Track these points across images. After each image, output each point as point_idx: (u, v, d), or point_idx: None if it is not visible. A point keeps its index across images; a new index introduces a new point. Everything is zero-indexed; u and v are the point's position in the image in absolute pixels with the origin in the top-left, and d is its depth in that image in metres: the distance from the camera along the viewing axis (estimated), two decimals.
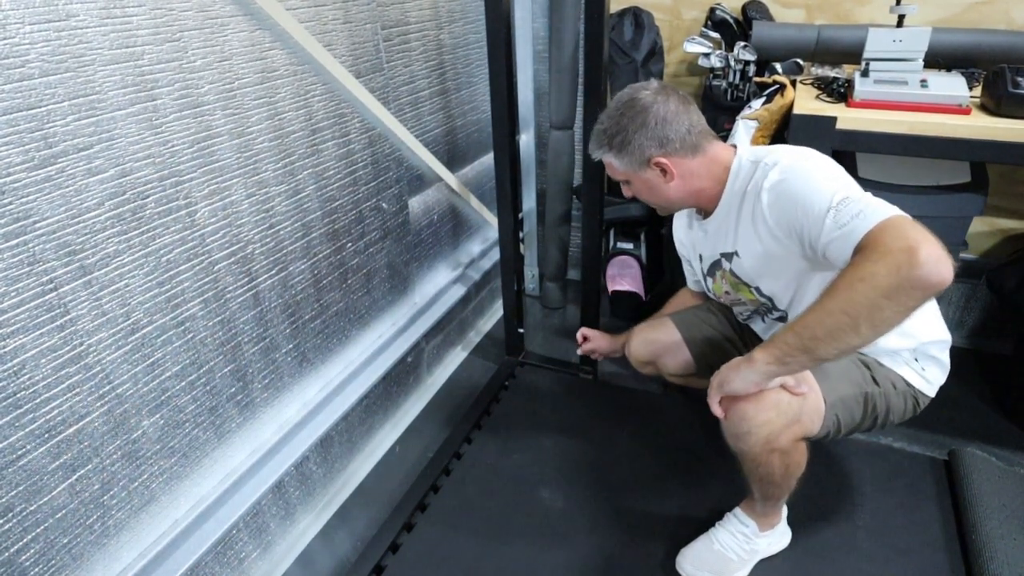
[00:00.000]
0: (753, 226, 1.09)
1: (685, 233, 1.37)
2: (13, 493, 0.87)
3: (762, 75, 1.66)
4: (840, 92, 1.43)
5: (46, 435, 0.90)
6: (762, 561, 1.26)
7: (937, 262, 0.80)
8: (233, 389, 1.21)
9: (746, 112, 1.56)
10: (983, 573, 1.19)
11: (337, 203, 1.39)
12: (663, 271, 2.10)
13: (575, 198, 2.09)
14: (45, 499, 0.91)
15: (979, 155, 1.31)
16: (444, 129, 1.80)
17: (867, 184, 1.02)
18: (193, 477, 1.16)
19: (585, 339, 1.61)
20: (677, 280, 1.67)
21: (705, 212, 1.22)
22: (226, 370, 1.19)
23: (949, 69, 1.45)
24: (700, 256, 1.31)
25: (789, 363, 0.94)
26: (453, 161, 1.87)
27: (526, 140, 2.11)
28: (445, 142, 1.82)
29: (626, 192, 1.22)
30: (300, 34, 1.17)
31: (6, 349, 0.83)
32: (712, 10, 1.81)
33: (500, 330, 2.01)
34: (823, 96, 1.45)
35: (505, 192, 1.66)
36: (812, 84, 1.54)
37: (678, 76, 2.01)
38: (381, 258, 1.59)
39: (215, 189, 1.09)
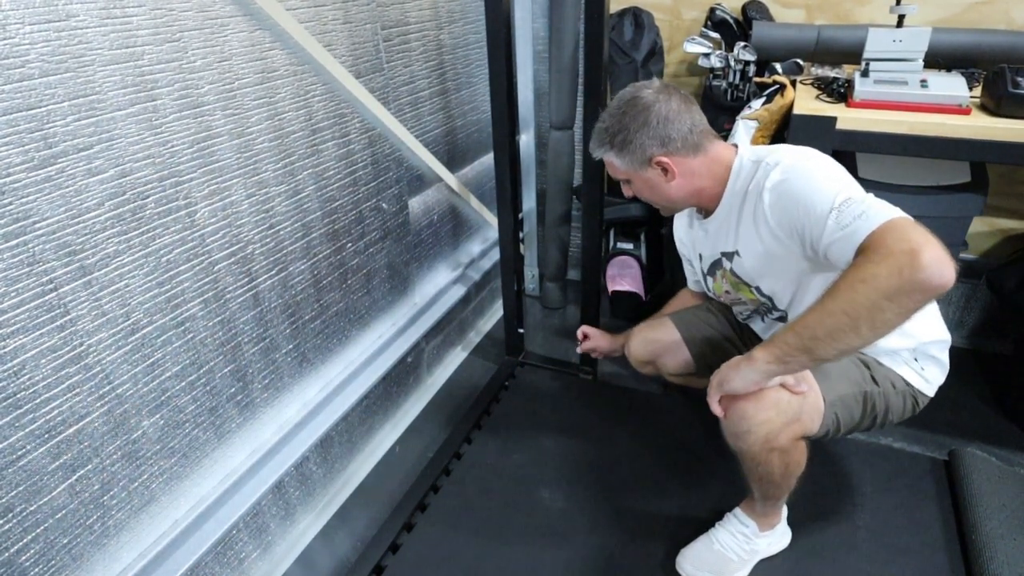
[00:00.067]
0: (754, 226, 1.09)
1: (685, 232, 1.37)
2: (13, 493, 0.87)
3: (762, 75, 1.66)
4: (840, 92, 1.43)
5: (46, 435, 0.90)
6: (762, 561, 1.26)
7: (939, 265, 0.80)
8: (233, 389, 1.21)
9: (746, 112, 1.56)
10: (983, 573, 1.19)
11: (337, 203, 1.39)
12: (663, 271, 2.10)
13: (575, 198, 2.09)
14: (45, 499, 0.91)
15: (979, 155, 1.31)
16: (444, 129, 1.80)
17: (867, 184, 1.01)
18: (193, 477, 1.16)
19: (585, 337, 1.61)
20: (677, 280, 1.67)
21: (706, 211, 1.22)
22: (226, 370, 1.19)
23: (949, 69, 1.45)
24: (700, 255, 1.32)
25: (789, 362, 0.94)
26: (453, 161, 1.87)
27: (526, 140, 2.11)
28: (445, 142, 1.82)
29: (627, 191, 1.22)
30: (300, 34, 1.17)
31: (6, 349, 0.83)
32: (712, 10, 1.81)
33: (500, 330, 2.01)
34: (823, 96, 1.45)
35: (505, 192, 1.66)
36: (812, 84, 1.54)
37: (678, 76, 2.01)
38: (381, 258, 1.59)
39: (215, 189, 1.09)
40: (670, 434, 1.61)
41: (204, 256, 1.09)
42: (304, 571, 1.35)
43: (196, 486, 1.17)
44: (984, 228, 1.84)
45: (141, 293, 0.99)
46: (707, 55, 1.72)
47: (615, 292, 2.05)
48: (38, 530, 0.91)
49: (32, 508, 0.89)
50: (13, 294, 0.82)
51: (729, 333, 1.42)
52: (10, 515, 0.87)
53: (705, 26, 1.83)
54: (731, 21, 1.78)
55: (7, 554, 0.87)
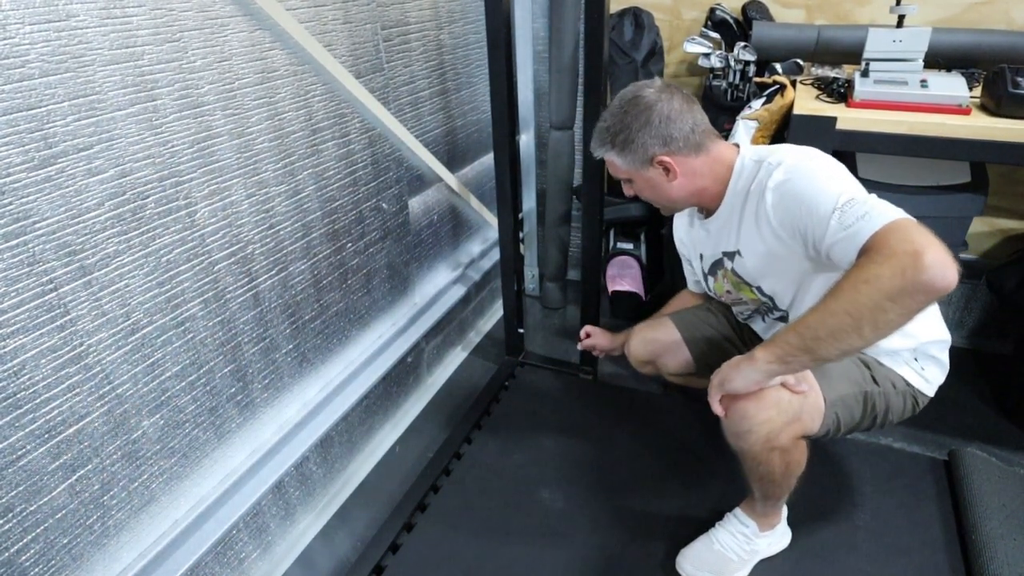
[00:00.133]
0: (756, 226, 1.09)
1: (686, 232, 1.37)
2: (13, 493, 0.87)
3: (762, 75, 1.66)
4: (840, 92, 1.43)
5: (46, 435, 0.90)
6: (762, 561, 1.26)
7: (942, 266, 0.80)
8: (233, 389, 1.21)
9: (746, 112, 1.56)
10: (983, 573, 1.19)
11: (337, 203, 1.39)
12: (663, 271, 2.10)
13: (575, 198, 2.09)
14: (45, 499, 0.91)
15: (979, 155, 1.31)
16: (444, 129, 1.80)
17: (867, 184, 1.01)
18: (193, 477, 1.16)
19: (587, 336, 1.61)
20: (677, 280, 1.67)
21: (707, 211, 1.22)
22: (226, 370, 1.19)
23: (949, 69, 1.45)
24: (701, 255, 1.31)
25: (791, 362, 0.94)
26: (453, 161, 1.87)
27: (526, 140, 2.11)
28: (445, 142, 1.82)
29: (627, 191, 1.22)
30: (300, 34, 1.17)
31: (6, 349, 0.83)
32: (712, 10, 1.81)
33: (500, 330, 2.01)
34: (823, 96, 1.45)
35: (505, 192, 1.66)
36: (812, 84, 1.54)
37: (678, 76, 2.01)
38: (381, 258, 1.59)
39: (215, 189, 1.09)
40: (670, 434, 1.61)
41: (204, 256, 1.09)
42: (304, 571, 1.35)
43: (196, 486, 1.17)
44: (984, 228, 1.84)
45: (141, 293, 0.99)
46: (707, 55, 1.72)
47: (615, 292, 2.05)
48: (38, 530, 0.91)
49: (32, 508, 0.89)
50: (13, 294, 0.82)
51: (729, 333, 1.42)
52: (10, 515, 0.87)
53: (705, 26, 1.83)
54: (731, 21, 1.78)
55: (7, 554, 0.87)
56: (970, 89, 1.30)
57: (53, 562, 0.94)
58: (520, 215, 1.80)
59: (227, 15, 1.05)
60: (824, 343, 0.89)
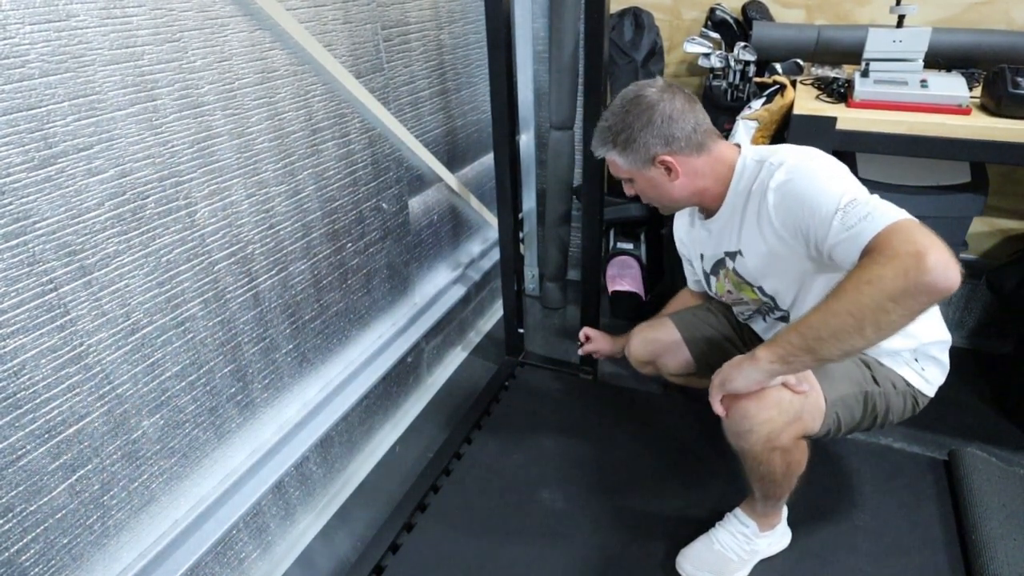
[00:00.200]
0: (758, 226, 1.09)
1: (686, 232, 1.37)
2: (13, 493, 0.87)
3: (762, 75, 1.66)
4: (840, 92, 1.43)
5: (46, 435, 0.90)
6: (762, 561, 1.26)
7: (945, 268, 0.80)
8: (233, 389, 1.21)
9: (746, 112, 1.56)
10: (983, 573, 1.19)
11: (337, 203, 1.39)
12: (663, 271, 2.10)
13: (575, 198, 2.09)
14: (45, 499, 0.91)
15: (979, 155, 1.31)
16: (444, 129, 1.80)
17: (867, 184, 1.01)
18: (193, 477, 1.16)
19: (587, 339, 1.61)
20: (677, 280, 1.67)
21: (708, 211, 1.22)
22: (226, 370, 1.19)
23: (949, 69, 1.45)
24: (702, 255, 1.31)
25: (792, 362, 0.94)
26: (453, 161, 1.87)
27: (526, 140, 2.11)
28: (445, 142, 1.82)
29: (628, 191, 1.22)
30: (300, 34, 1.17)
31: (6, 349, 0.83)
32: (712, 10, 1.81)
33: (500, 330, 2.01)
34: (823, 96, 1.45)
35: (505, 192, 1.66)
36: (812, 84, 1.54)
37: (678, 76, 2.01)
38: (381, 258, 1.59)
39: (215, 189, 1.09)
40: (670, 434, 1.61)
41: (204, 256, 1.09)
42: (304, 571, 1.35)
43: (196, 486, 1.17)
44: (984, 228, 1.84)
45: (141, 293, 0.99)
46: (707, 55, 1.72)
47: (615, 292, 2.05)
48: (38, 530, 0.91)
49: (32, 508, 0.89)
50: (13, 294, 0.82)
51: (729, 333, 1.42)
52: (10, 515, 0.87)
53: (705, 26, 1.83)
54: (731, 21, 1.78)
55: (7, 554, 0.87)
56: (970, 89, 1.30)
57: (53, 562, 0.94)
58: (520, 215, 1.80)
59: (227, 15, 1.05)
60: (826, 343, 0.89)
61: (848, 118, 1.31)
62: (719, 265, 1.26)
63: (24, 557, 0.89)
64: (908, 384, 1.13)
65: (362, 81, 1.37)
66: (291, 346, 1.34)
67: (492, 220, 2.05)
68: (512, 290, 1.83)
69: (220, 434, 1.21)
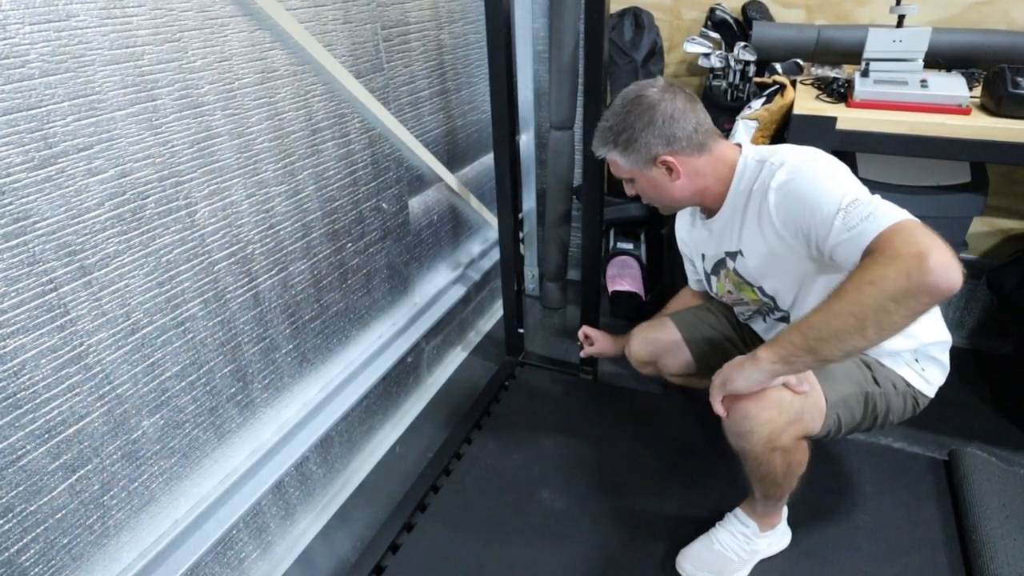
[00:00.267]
0: (759, 226, 1.09)
1: (687, 232, 1.37)
2: (13, 493, 0.87)
3: (762, 75, 1.66)
4: (840, 92, 1.43)
5: (46, 435, 0.90)
6: (762, 561, 1.26)
7: (947, 268, 0.80)
8: (233, 389, 1.21)
9: (746, 112, 1.56)
10: (983, 573, 1.19)
11: (337, 203, 1.39)
12: (663, 271, 2.10)
13: (575, 198, 2.09)
14: (45, 499, 0.91)
15: (979, 155, 1.31)
16: (444, 129, 1.80)
17: (867, 184, 1.01)
18: (193, 477, 1.16)
19: (587, 338, 1.61)
20: (677, 280, 1.67)
21: (709, 211, 1.22)
22: (226, 370, 1.19)
23: (949, 69, 1.45)
24: (703, 255, 1.31)
25: (794, 363, 0.94)
26: (453, 161, 1.87)
27: (526, 140, 2.11)
28: (445, 142, 1.82)
29: (629, 190, 1.22)
30: (300, 34, 1.17)
31: (6, 349, 0.83)
32: (712, 10, 1.81)
33: (500, 330, 2.01)
34: (823, 96, 1.45)
35: (505, 192, 1.66)
36: (812, 84, 1.54)
37: (678, 76, 2.01)
38: (381, 258, 1.59)
39: (215, 189, 1.09)
40: (670, 434, 1.61)
41: (204, 256, 1.09)
42: (304, 571, 1.35)
43: (196, 486, 1.17)
44: (984, 228, 1.84)
45: (141, 293, 0.99)
46: (707, 55, 1.72)
47: (615, 292, 2.05)
48: (38, 530, 0.91)
49: (32, 508, 0.89)
50: (13, 294, 0.82)
51: (730, 333, 1.42)
52: (10, 515, 0.87)
53: (705, 26, 1.83)
54: (731, 21, 1.78)
55: (7, 554, 0.87)
56: (970, 89, 1.30)
57: (53, 562, 0.94)
58: (520, 215, 1.80)
59: (227, 15, 1.05)
60: (828, 344, 0.89)
61: (848, 118, 1.31)
62: (720, 265, 1.26)
63: (24, 557, 0.89)
64: (909, 385, 1.13)
65: (362, 81, 1.37)
66: (291, 346, 1.34)
67: (492, 220, 2.05)
68: (512, 290, 1.83)
69: (220, 434, 1.21)
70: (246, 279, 1.19)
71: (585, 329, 1.62)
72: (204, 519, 1.17)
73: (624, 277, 2.04)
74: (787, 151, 1.07)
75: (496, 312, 2.25)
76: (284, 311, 1.30)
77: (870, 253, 0.88)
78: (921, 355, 1.14)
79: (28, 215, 0.82)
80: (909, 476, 1.46)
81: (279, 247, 1.26)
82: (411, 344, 1.71)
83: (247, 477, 1.26)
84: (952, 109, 1.29)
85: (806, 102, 1.42)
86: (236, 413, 1.23)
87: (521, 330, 1.93)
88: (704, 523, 1.29)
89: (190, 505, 1.16)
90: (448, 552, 1.32)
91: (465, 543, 1.34)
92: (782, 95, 1.50)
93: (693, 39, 1.73)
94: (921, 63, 1.32)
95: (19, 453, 0.86)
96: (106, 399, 0.97)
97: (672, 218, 1.43)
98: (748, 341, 1.39)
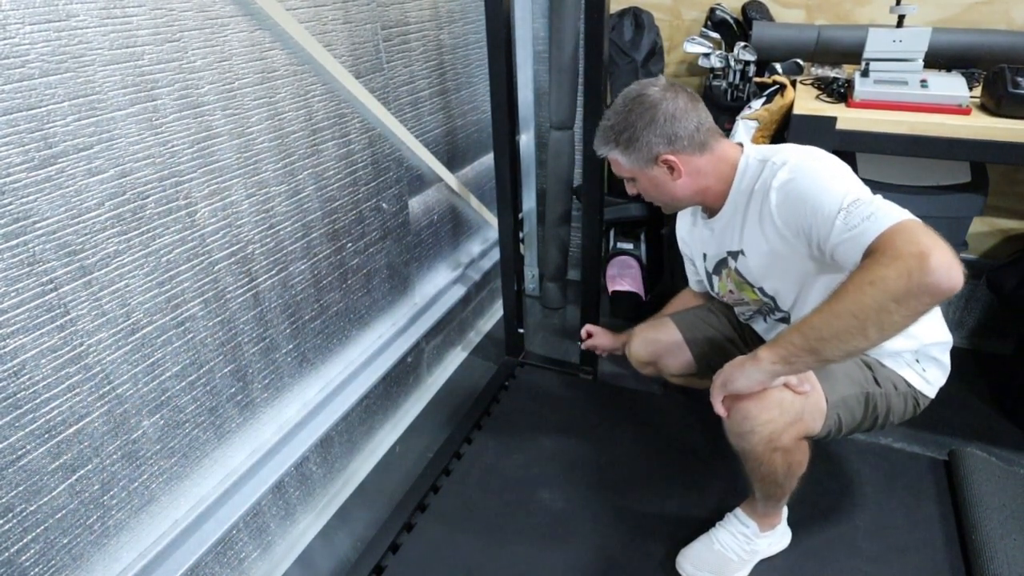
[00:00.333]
0: (760, 225, 1.09)
1: (688, 232, 1.37)
2: (13, 493, 0.87)
3: (762, 75, 1.66)
4: (840, 92, 1.43)
5: (46, 435, 0.90)
6: (762, 561, 1.26)
7: (948, 268, 0.80)
8: (233, 389, 1.21)
9: (746, 112, 1.56)
10: (983, 573, 1.19)
11: (337, 203, 1.39)
12: (663, 271, 2.10)
13: (575, 198, 2.09)
14: (45, 499, 0.91)
15: (979, 155, 1.31)
16: (444, 129, 1.80)
17: (867, 184, 1.01)
18: (193, 477, 1.16)
19: (588, 335, 1.61)
20: (677, 280, 1.67)
21: (711, 211, 1.22)
22: (226, 370, 1.19)
23: (949, 69, 1.45)
24: (704, 255, 1.31)
25: (795, 363, 0.94)
26: (453, 161, 1.87)
27: (526, 140, 2.11)
28: (445, 142, 1.82)
29: (630, 190, 1.22)
30: (300, 34, 1.17)
31: (6, 349, 0.83)
32: (712, 10, 1.81)
33: (500, 330, 2.01)
34: (823, 96, 1.45)
35: (505, 192, 1.66)
36: (812, 84, 1.54)
37: (678, 76, 2.01)
38: (381, 258, 1.59)
39: (215, 189, 1.09)
40: (670, 434, 1.61)
41: (204, 256, 1.09)
42: (304, 571, 1.35)
43: (196, 486, 1.17)
44: (984, 228, 1.84)
45: (141, 293, 0.99)
46: (707, 55, 1.72)
47: (615, 292, 2.05)
48: (38, 530, 0.91)
49: (32, 508, 0.89)
50: (13, 294, 0.82)
51: (730, 333, 1.42)
52: (10, 515, 0.87)
53: (705, 26, 1.83)
54: (731, 21, 1.78)
55: (7, 554, 0.87)
56: (970, 89, 1.30)
57: (53, 562, 0.94)
58: (520, 215, 1.80)
59: (227, 15, 1.05)
60: (829, 344, 0.89)
61: (848, 118, 1.31)
62: (721, 265, 1.26)
63: (24, 557, 0.89)
64: (909, 385, 1.13)
65: (362, 81, 1.37)
66: (291, 346, 1.34)
67: (492, 220, 2.05)
68: (512, 290, 1.83)
69: (220, 434, 1.21)
70: (246, 279, 1.19)
71: (588, 327, 1.63)
72: (204, 519, 1.17)
73: (624, 277, 2.04)
74: (789, 150, 1.07)
75: (496, 312, 2.25)
76: (284, 311, 1.30)
77: (871, 253, 0.88)
78: (922, 356, 1.14)
79: (28, 215, 0.82)
80: (909, 476, 1.46)
81: (279, 247, 1.26)
82: (411, 344, 1.71)
83: (247, 477, 1.26)
84: (952, 109, 1.29)
85: (806, 102, 1.42)
86: (236, 413, 1.23)
87: (521, 330, 1.93)
88: (704, 523, 1.29)
89: (190, 505, 1.16)
90: (448, 552, 1.32)
91: (465, 543, 1.34)
92: (782, 95, 1.50)
93: (693, 39, 1.73)
94: (921, 63, 1.32)
95: (19, 453, 0.86)
96: (106, 399, 0.97)
97: (672, 218, 1.43)
98: (749, 341, 1.39)
